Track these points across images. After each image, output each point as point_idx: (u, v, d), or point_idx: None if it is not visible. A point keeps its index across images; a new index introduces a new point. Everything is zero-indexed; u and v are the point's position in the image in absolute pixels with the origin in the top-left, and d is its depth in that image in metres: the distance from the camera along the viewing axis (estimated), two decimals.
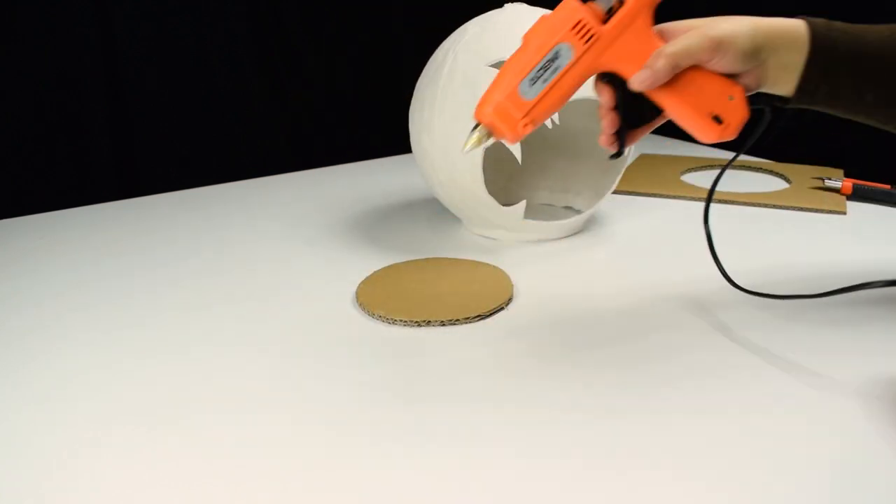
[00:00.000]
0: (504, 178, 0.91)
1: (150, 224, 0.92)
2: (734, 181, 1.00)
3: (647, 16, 0.52)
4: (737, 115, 0.52)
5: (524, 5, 0.77)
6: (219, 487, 0.42)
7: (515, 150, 0.73)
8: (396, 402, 0.50)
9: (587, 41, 0.51)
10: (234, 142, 1.24)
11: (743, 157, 1.11)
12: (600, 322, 0.60)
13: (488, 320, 0.61)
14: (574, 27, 0.51)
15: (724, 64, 0.51)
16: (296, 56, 1.27)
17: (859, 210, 0.87)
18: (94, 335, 0.62)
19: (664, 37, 0.53)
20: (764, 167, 1.07)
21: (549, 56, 0.51)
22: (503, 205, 0.75)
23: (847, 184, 0.92)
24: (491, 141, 0.55)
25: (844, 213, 0.86)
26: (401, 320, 0.60)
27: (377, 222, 0.89)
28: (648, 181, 1.01)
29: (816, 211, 0.87)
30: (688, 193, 0.95)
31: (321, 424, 0.48)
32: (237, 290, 0.70)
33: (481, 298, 0.63)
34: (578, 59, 0.51)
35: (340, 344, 0.58)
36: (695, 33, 0.51)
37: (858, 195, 0.91)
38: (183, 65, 1.16)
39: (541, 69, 0.51)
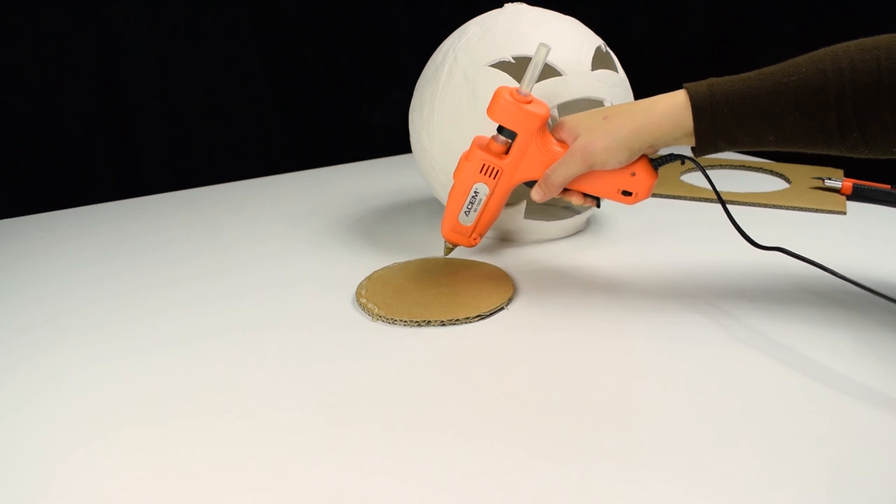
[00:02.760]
0: None
1: (150, 224, 0.92)
2: (734, 181, 1.00)
3: (540, 134, 0.62)
4: (644, 184, 0.62)
5: (524, 5, 0.77)
6: (218, 486, 0.42)
7: None
8: (396, 402, 0.50)
9: (494, 177, 0.65)
10: (234, 142, 1.24)
11: (743, 157, 1.11)
12: (600, 322, 0.60)
13: (488, 320, 0.61)
14: (481, 170, 0.64)
15: (607, 169, 0.61)
16: (296, 56, 1.27)
17: (859, 210, 0.87)
18: (94, 335, 0.62)
19: (561, 132, 0.62)
20: (764, 167, 1.07)
21: (471, 194, 0.66)
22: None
23: (847, 184, 0.92)
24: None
25: (844, 213, 0.86)
26: (401, 320, 0.60)
27: (377, 222, 0.89)
28: None
29: (816, 211, 0.87)
30: (688, 193, 0.95)
31: (321, 424, 0.47)
32: (237, 290, 0.70)
33: (481, 298, 0.63)
34: (493, 190, 0.65)
35: (340, 344, 0.58)
36: (571, 158, 0.60)
37: (858, 195, 0.91)
38: (183, 65, 1.16)
39: (469, 204, 0.66)
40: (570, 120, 0.62)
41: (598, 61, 0.74)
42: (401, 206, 0.95)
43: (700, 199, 0.93)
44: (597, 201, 0.65)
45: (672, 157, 0.62)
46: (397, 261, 0.73)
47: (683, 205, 0.92)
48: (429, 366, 0.54)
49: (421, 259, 0.73)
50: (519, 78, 0.70)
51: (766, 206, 0.90)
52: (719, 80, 0.56)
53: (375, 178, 1.09)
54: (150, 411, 0.50)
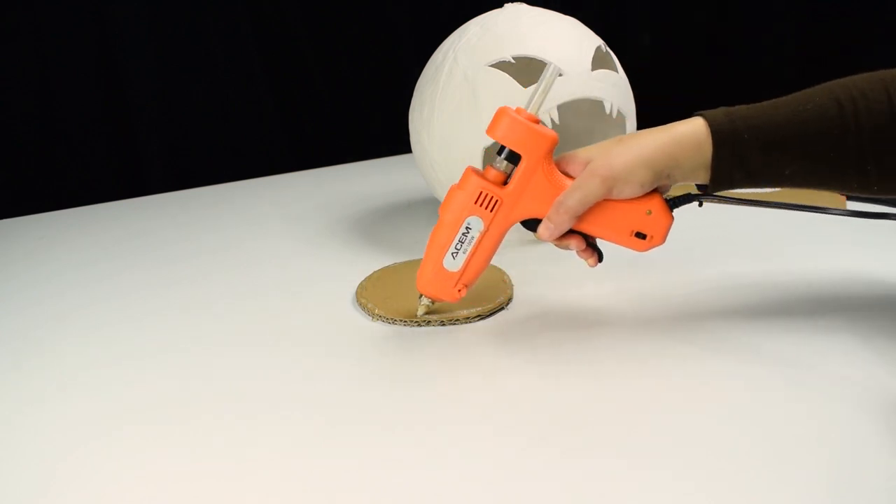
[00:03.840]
0: None
1: (150, 224, 0.92)
2: None
3: (547, 161, 0.54)
4: (659, 225, 0.55)
5: (524, 5, 0.77)
6: (218, 487, 0.42)
7: None
8: (396, 401, 0.50)
9: (492, 209, 0.54)
10: (234, 142, 1.24)
11: None
12: (600, 322, 0.60)
13: (488, 320, 0.61)
14: (477, 200, 0.54)
15: (626, 195, 0.53)
16: (296, 56, 1.27)
17: (859, 208, 0.87)
18: (94, 335, 0.62)
19: (568, 167, 0.55)
20: None
21: (462, 230, 0.55)
22: None
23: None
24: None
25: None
26: (401, 320, 0.60)
27: (377, 222, 0.89)
28: None
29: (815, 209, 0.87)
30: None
31: (321, 424, 0.47)
32: (237, 291, 0.70)
33: (481, 298, 0.63)
34: (489, 225, 0.55)
35: (340, 344, 0.58)
36: (589, 179, 0.53)
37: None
38: (183, 65, 1.16)
39: (458, 243, 0.55)
40: (580, 150, 0.56)
41: (598, 61, 0.74)
42: (401, 206, 0.95)
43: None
44: (599, 255, 0.58)
45: (690, 198, 0.55)
46: (397, 261, 0.73)
47: (683, 205, 0.91)
48: (429, 366, 0.54)
49: (421, 259, 0.73)
50: (519, 79, 0.70)
51: (765, 204, 0.89)
52: (734, 108, 0.53)
53: (375, 178, 1.09)
54: (151, 411, 0.50)
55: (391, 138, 1.13)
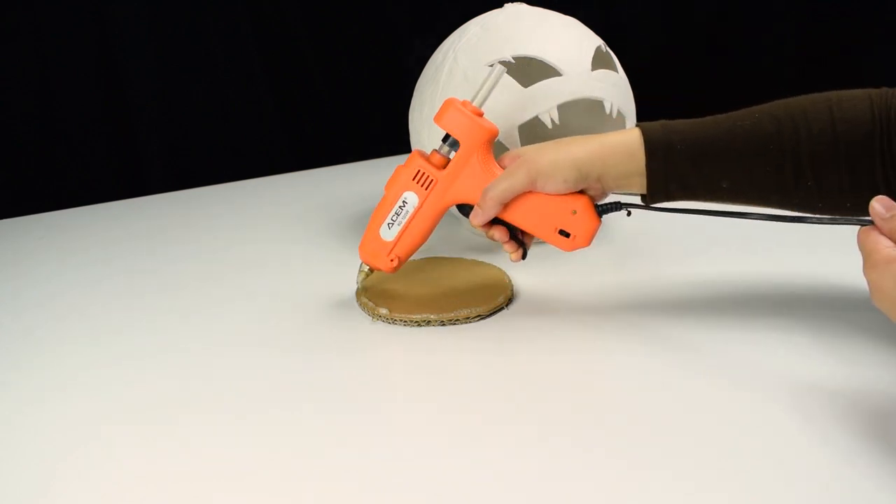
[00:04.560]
0: None
1: (150, 224, 0.92)
2: None
3: (484, 151, 0.58)
4: (584, 227, 0.57)
5: (524, 5, 0.77)
6: (218, 486, 0.42)
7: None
8: (397, 402, 0.50)
9: (427, 187, 0.59)
10: (234, 142, 1.24)
11: None
12: (600, 322, 0.60)
13: (488, 320, 0.61)
14: (415, 177, 0.59)
15: (549, 190, 0.56)
16: (296, 56, 1.27)
17: None
18: (94, 335, 0.62)
19: (505, 160, 0.58)
20: None
21: (399, 203, 0.60)
22: None
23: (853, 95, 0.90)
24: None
25: None
26: (401, 320, 0.60)
27: None
28: None
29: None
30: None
31: (321, 424, 0.48)
32: (237, 291, 0.70)
33: (481, 298, 0.63)
34: (423, 202, 0.59)
35: (341, 344, 0.58)
36: (515, 169, 0.56)
37: None
38: (183, 65, 1.16)
39: (394, 215, 0.60)
40: (522, 147, 0.59)
41: (598, 61, 0.74)
42: None
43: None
44: (523, 249, 0.60)
45: (618, 206, 0.57)
46: None
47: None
48: (429, 366, 0.54)
49: (421, 259, 0.73)
50: (519, 78, 0.70)
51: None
52: (673, 121, 0.54)
53: (375, 178, 1.09)
54: (151, 412, 0.50)
55: (391, 138, 1.13)
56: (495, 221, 0.59)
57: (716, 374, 0.51)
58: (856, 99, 0.51)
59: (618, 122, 0.76)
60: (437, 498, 0.40)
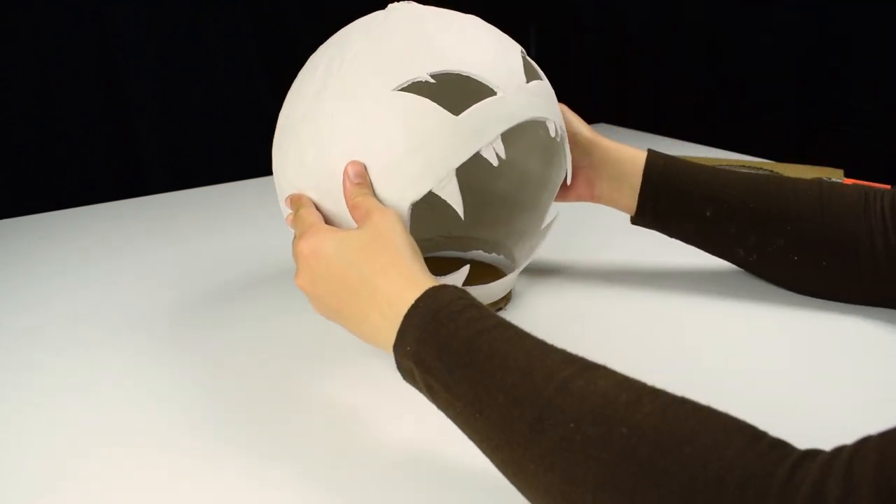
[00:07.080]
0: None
1: (150, 224, 0.92)
2: None
3: None
4: None
5: (416, 4, 0.59)
6: (220, 485, 0.42)
7: (457, 203, 0.53)
8: (397, 401, 0.50)
9: None
10: (234, 142, 1.23)
11: (743, 158, 1.11)
12: (598, 323, 0.60)
13: None
14: None
15: None
16: (296, 56, 1.27)
17: None
18: (94, 336, 0.62)
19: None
20: (764, 167, 1.07)
21: None
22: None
23: (847, 184, 0.91)
24: None
25: None
26: None
27: None
28: None
29: None
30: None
31: (324, 425, 0.48)
32: (237, 291, 0.70)
33: (480, 298, 0.62)
34: None
35: (341, 344, 0.58)
36: None
37: None
38: (183, 65, 1.16)
39: None
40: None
41: (527, 70, 0.56)
42: None
43: None
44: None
45: None
46: None
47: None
48: None
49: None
50: (441, 101, 0.52)
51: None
52: (678, 158, 0.64)
53: None
54: (152, 412, 0.50)
55: None
56: None
57: (716, 374, 0.51)
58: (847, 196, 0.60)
59: (559, 146, 0.61)
60: (438, 497, 0.40)
